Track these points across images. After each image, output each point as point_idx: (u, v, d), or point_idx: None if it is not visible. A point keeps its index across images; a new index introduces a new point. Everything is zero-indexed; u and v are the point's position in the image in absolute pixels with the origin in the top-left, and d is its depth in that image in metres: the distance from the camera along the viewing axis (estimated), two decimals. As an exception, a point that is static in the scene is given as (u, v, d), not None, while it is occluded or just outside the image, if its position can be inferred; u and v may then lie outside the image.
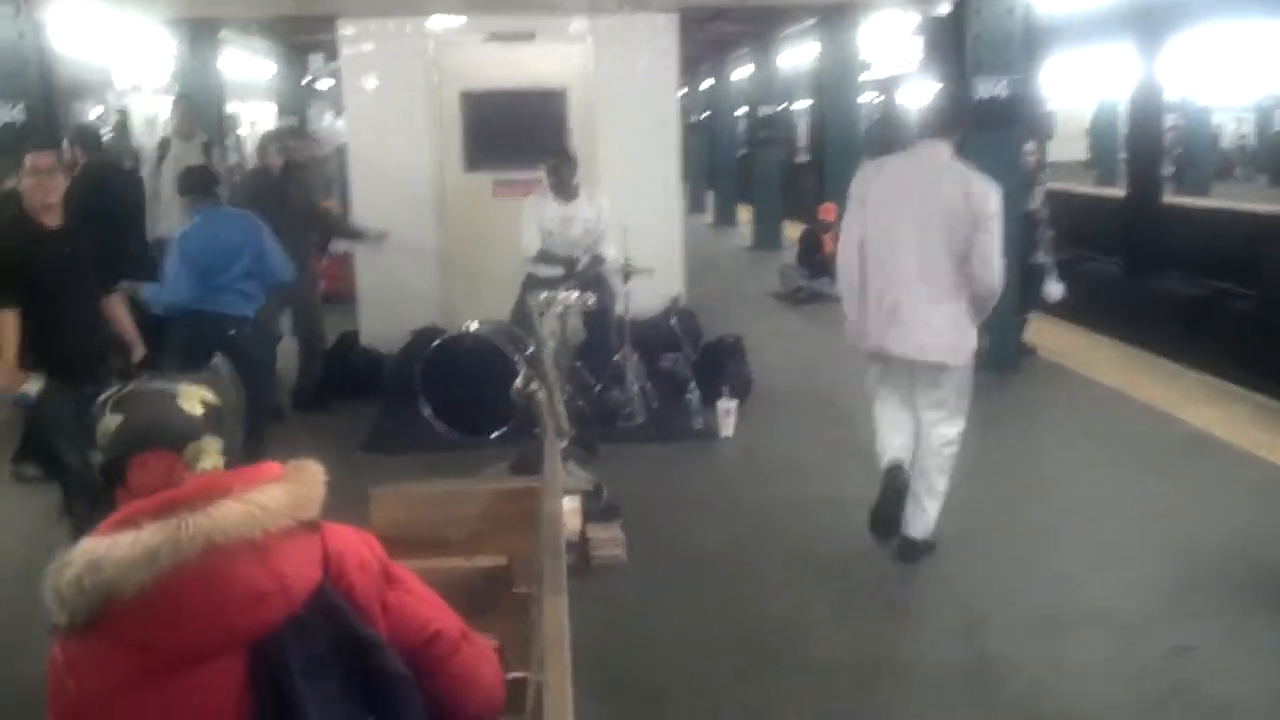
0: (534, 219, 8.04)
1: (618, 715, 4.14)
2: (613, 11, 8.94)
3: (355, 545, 2.11)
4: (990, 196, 5.08)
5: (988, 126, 8.87)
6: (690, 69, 24.21)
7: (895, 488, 5.44)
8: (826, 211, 13.26)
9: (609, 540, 5.51)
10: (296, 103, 16.54)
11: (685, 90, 26.57)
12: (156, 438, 2.01)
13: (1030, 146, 9.34)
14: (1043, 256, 9.33)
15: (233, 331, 6.54)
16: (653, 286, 8.93)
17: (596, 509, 5.67)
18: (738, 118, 22.00)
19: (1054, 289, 9.36)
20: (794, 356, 9.79)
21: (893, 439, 5.48)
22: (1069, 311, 10.41)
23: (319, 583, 1.98)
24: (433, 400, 7.45)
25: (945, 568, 5.41)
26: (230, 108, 16.34)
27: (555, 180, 8.08)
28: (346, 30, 9.03)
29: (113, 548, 1.79)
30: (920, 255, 5.11)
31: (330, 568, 2.03)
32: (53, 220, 5.18)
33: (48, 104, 8.71)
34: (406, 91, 9.02)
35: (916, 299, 5.14)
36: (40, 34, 8.61)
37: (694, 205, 24.02)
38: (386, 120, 9.02)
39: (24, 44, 8.51)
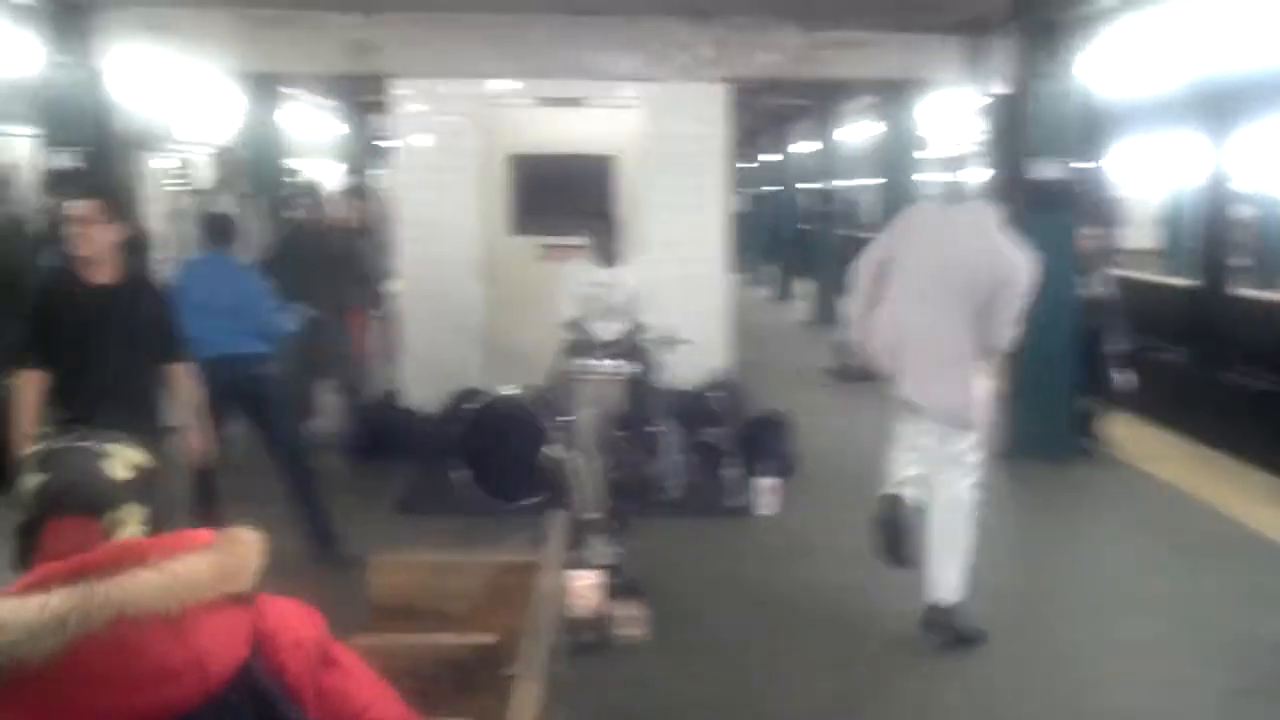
0: (572, 285, 7.93)
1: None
2: (663, 80, 8.88)
3: (292, 622, 1.97)
4: (1022, 263, 5.10)
5: (1042, 208, 8.70)
6: (752, 140, 24.29)
7: (888, 517, 5.30)
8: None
9: (630, 618, 5.33)
10: (362, 161, 16.70)
11: (748, 162, 26.76)
12: (75, 501, 1.87)
13: (1089, 231, 9.09)
14: (1112, 345, 8.94)
15: (254, 370, 6.29)
16: (695, 358, 8.79)
17: (618, 585, 5.48)
18: (799, 192, 21.91)
19: (1124, 379, 8.95)
20: (843, 435, 9.56)
21: (900, 470, 5.36)
22: (1133, 403, 10.07)
23: (243, 661, 1.82)
24: (467, 464, 7.34)
25: (972, 662, 5.19)
26: (300, 165, 16.60)
27: (597, 246, 7.99)
28: (398, 90, 9.05)
29: (19, 610, 1.66)
30: (947, 309, 5.09)
31: (262, 645, 1.87)
32: (100, 275, 4.73)
33: (105, 152, 8.79)
34: (456, 153, 9.01)
35: (935, 352, 5.11)
36: (98, 83, 8.71)
37: (755, 279, 23.95)
38: (435, 180, 9.00)
39: (82, 92, 8.63)
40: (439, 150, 9.02)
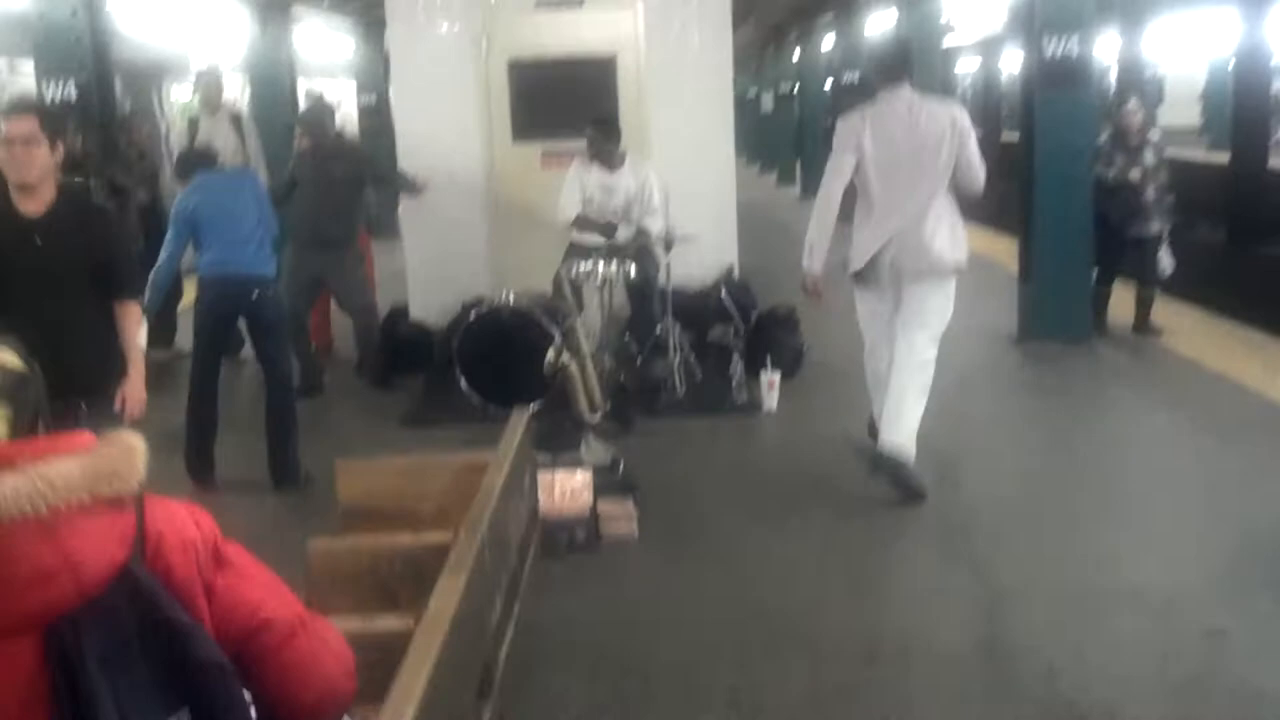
0: (575, 185, 7.89)
1: (596, 693, 3.98)
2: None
3: (180, 524, 1.95)
4: (964, 115, 5.86)
5: (1054, 87, 8.49)
6: (778, 37, 23.86)
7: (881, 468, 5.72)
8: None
9: (620, 515, 5.33)
10: (376, 79, 16.52)
11: (771, 59, 26.31)
12: None
13: (1133, 105, 8.83)
14: (1156, 226, 8.69)
15: (256, 293, 6.28)
16: (705, 257, 8.72)
17: (611, 483, 5.48)
18: (826, 88, 21.54)
19: (1165, 262, 8.72)
20: (854, 327, 9.44)
21: (879, 361, 5.98)
22: (1170, 282, 9.85)
23: (122, 563, 1.81)
24: (469, 372, 7.33)
25: (980, 545, 5.16)
26: (314, 85, 16.48)
27: (596, 150, 7.91)
28: (394, 2, 8.91)
29: None
30: (925, 182, 5.69)
31: (147, 548, 1.87)
32: (33, 205, 4.16)
33: (101, 81, 8.74)
34: (455, 61, 8.85)
35: (928, 220, 5.68)
36: (94, 10, 8.64)
37: (783, 177, 23.69)
38: (434, 91, 8.87)
39: (76, 21, 8.56)
40: (438, 59, 8.86)
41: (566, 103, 8.64)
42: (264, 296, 6.34)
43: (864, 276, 5.87)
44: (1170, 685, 3.91)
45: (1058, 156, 8.54)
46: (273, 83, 12.84)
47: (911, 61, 6.10)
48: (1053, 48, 8.46)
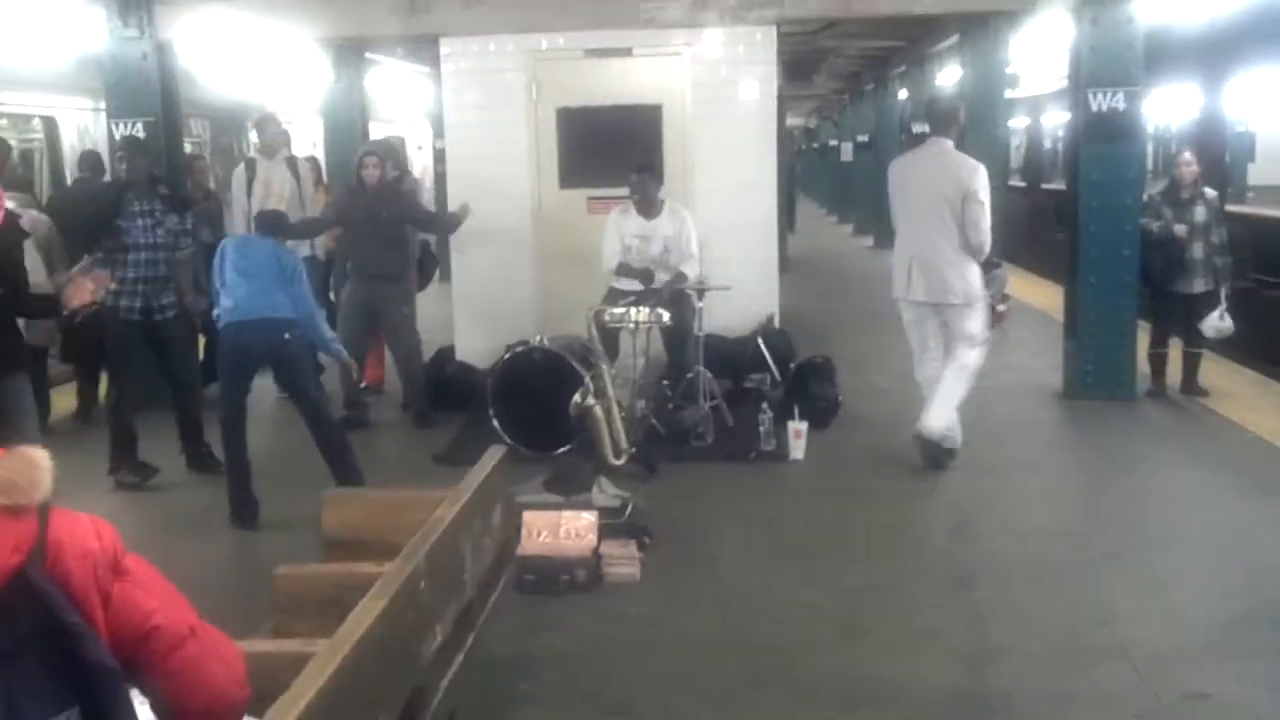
0: (615, 234, 8.06)
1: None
2: (710, 25, 8.80)
3: (81, 535, 2.08)
4: (977, 173, 6.83)
5: (1099, 141, 8.45)
6: (856, 86, 23.91)
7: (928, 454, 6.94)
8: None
9: (623, 557, 5.39)
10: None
11: (850, 108, 26.33)
12: None
13: (1187, 157, 8.76)
14: (1202, 285, 8.49)
15: (286, 335, 6.40)
16: (745, 306, 8.78)
17: (618, 526, 5.55)
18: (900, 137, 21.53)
19: (1221, 324, 8.45)
20: (901, 377, 9.42)
21: (927, 369, 7.13)
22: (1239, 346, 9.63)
23: (16, 569, 1.94)
24: (502, 413, 7.46)
25: (981, 596, 5.17)
26: (392, 130, 16.89)
27: (639, 197, 8.06)
28: (447, 48, 9.15)
29: None
30: (936, 225, 6.76)
31: (47, 555, 1.99)
32: None
33: (169, 122, 9.12)
34: (505, 109, 9.07)
35: (939, 255, 6.80)
36: (162, 55, 9.02)
37: (860, 227, 23.67)
38: (485, 137, 9.08)
39: (147, 64, 8.95)
40: (488, 106, 9.09)
41: (613, 150, 8.79)
42: (287, 339, 6.50)
43: (900, 295, 7.06)
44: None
45: (1102, 212, 8.48)
46: (346, 126, 13.25)
47: (953, 118, 7.21)
48: (1099, 102, 8.42)
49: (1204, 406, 8.43)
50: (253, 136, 15.61)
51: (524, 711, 4.11)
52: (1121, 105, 8.43)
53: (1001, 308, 12.35)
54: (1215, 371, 9.05)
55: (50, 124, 10.55)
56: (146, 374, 7.53)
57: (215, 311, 6.73)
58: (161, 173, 7.81)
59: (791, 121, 33.25)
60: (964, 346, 6.90)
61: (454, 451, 7.69)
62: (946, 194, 6.74)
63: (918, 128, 17.51)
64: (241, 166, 9.06)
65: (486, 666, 4.37)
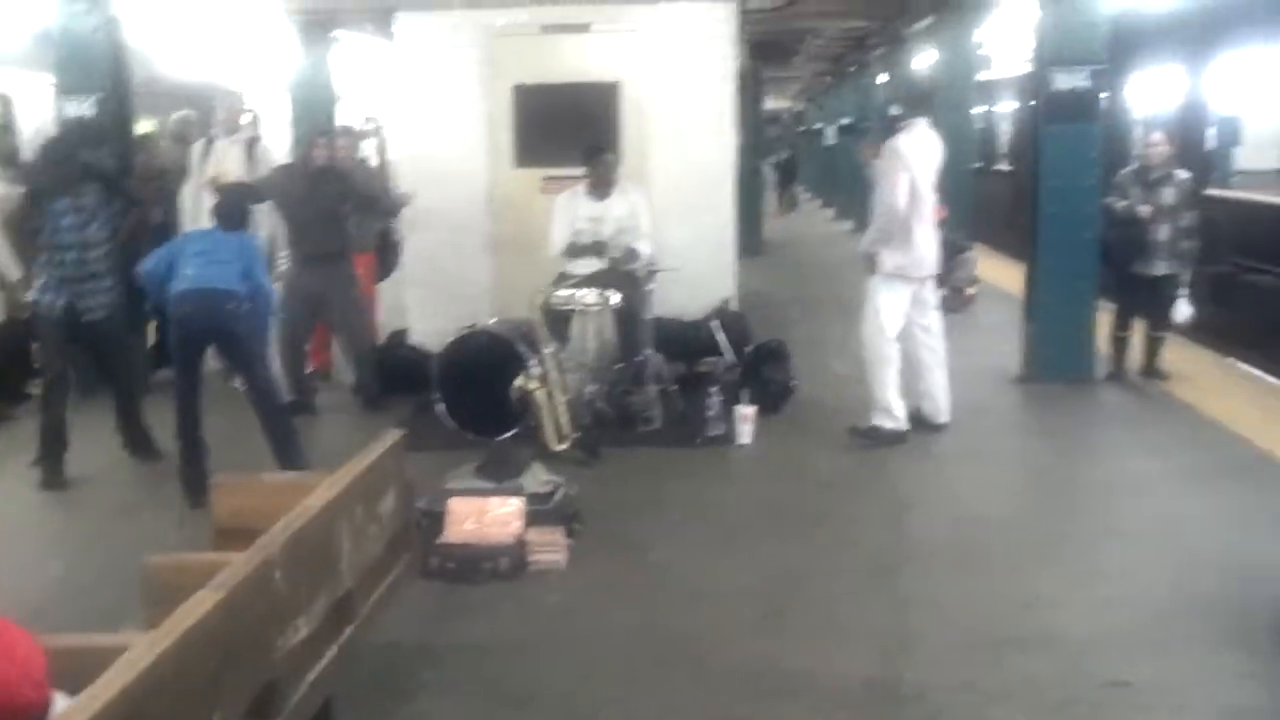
0: (566, 218, 7.94)
1: (472, 715, 3.93)
2: (669, 1, 8.66)
3: None
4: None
5: (1059, 121, 8.33)
6: (839, 69, 23.75)
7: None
8: (935, 212, 12.66)
9: (548, 544, 5.29)
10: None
11: (834, 91, 26.17)
12: None
13: (1157, 138, 8.65)
14: (1165, 267, 8.38)
15: (230, 306, 6.33)
16: (701, 289, 8.67)
17: (545, 512, 5.44)
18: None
19: (1184, 309, 8.39)
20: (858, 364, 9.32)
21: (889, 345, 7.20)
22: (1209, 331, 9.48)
23: None
24: (449, 397, 7.35)
25: (910, 581, 5.10)
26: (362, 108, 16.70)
27: (594, 178, 7.94)
28: (402, 23, 9.00)
29: None
30: (931, 199, 7.20)
31: None
32: None
33: (119, 99, 8.97)
34: (460, 85, 8.92)
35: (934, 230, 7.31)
36: (113, 29, 8.87)
37: (841, 213, 23.54)
38: (440, 114, 8.95)
39: (97, 39, 8.80)
40: (443, 83, 8.95)
41: (569, 129, 8.65)
42: (234, 311, 6.41)
43: (908, 274, 7.14)
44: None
45: (1061, 193, 8.37)
46: (312, 105, 13.06)
47: (931, 100, 8.07)
48: (1060, 81, 8.30)
49: (1163, 390, 8.33)
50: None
51: (419, 703, 4.01)
52: (1084, 84, 8.31)
53: (971, 290, 12.33)
54: (1179, 355, 8.93)
55: (4, 102, 10.40)
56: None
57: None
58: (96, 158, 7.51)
59: (776, 105, 33.10)
60: (935, 314, 7.38)
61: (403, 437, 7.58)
62: (935, 171, 7.27)
63: (894, 110, 17.43)
64: (200, 143, 8.86)
65: (389, 656, 4.30)
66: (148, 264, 6.56)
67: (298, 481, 3.92)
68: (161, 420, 6.97)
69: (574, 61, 8.91)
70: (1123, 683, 4.09)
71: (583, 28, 8.89)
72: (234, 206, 6.87)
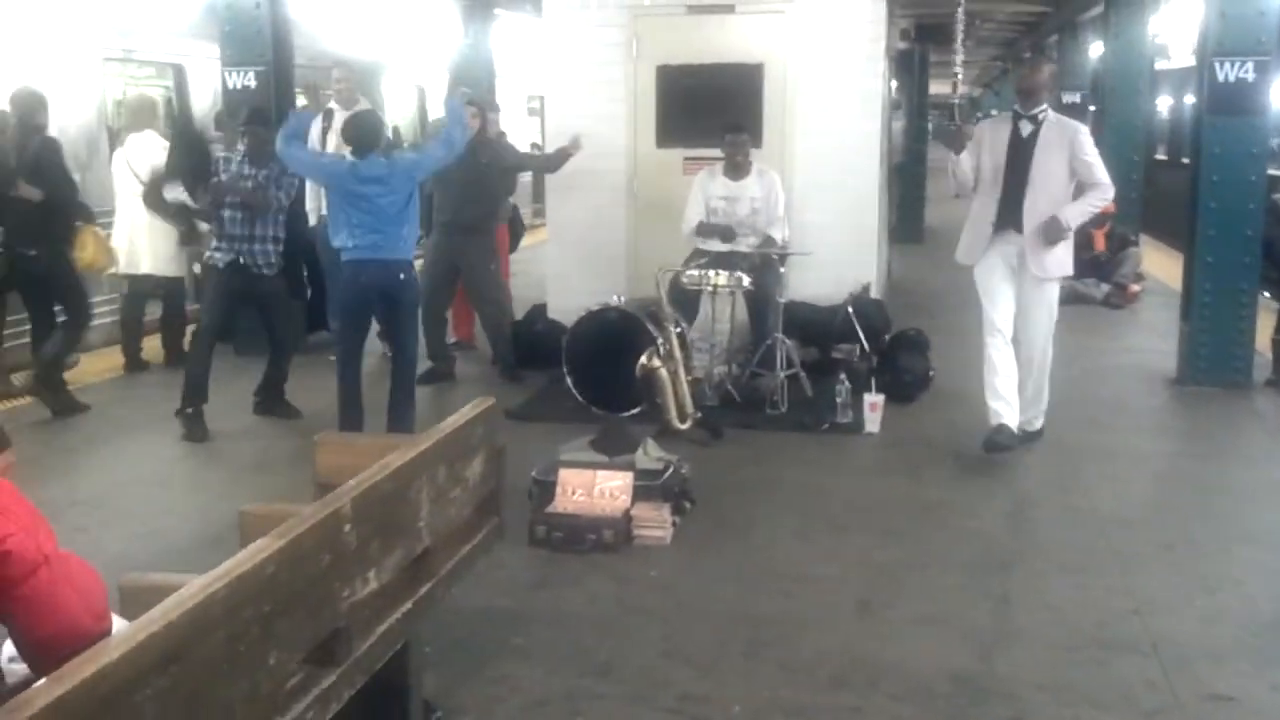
0: (700, 195, 7.97)
1: (547, 686, 4.01)
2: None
3: None
4: None
5: (1223, 113, 7.96)
6: (1011, 54, 23.10)
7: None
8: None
9: (654, 520, 5.32)
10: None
11: (1007, 75, 25.42)
12: None
13: None
14: None
15: (402, 276, 6.59)
16: (841, 273, 8.56)
17: (653, 488, 5.46)
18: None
19: None
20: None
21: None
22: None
23: None
24: (577, 372, 7.45)
25: (1019, 577, 4.98)
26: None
27: (732, 155, 7.93)
28: (550, 4, 9.09)
29: None
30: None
31: None
32: None
33: (280, 71, 9.30)
34: (606, 66, 8.98)
35: None
36: (274, 4, 9.19)
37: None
38: (584, 91, 9.01)
39: (260, 13, 9.15)
40: (589, 63, 9.02)
41: (712, 109, 8.63)
42: (404, 280, 6.65)
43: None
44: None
45: (1223, 187, 8.01)
46: (474, 82, 13.31)
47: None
48: (1225, 72, 7.93)
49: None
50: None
51: (505, 664, 4.09)
52: (1250, 76, 7.93)
53: (1135, 287, 11.89)
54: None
55: (178, 71, 10.86)
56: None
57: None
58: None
59: (945, 89, 32.30)
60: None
61: (528, 407, 7.72)
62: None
63: (1067, 98, 16.91)
64: (319, 115, 9.14)
65: (481, 620, 4.39)
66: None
67: (395, 442, 4.01)
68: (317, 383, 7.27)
69: (718, 42, 8.86)
70: (1226, 697, 3.92)
71: (728, 8, 8.85)
72: (365, 128, 6.83)
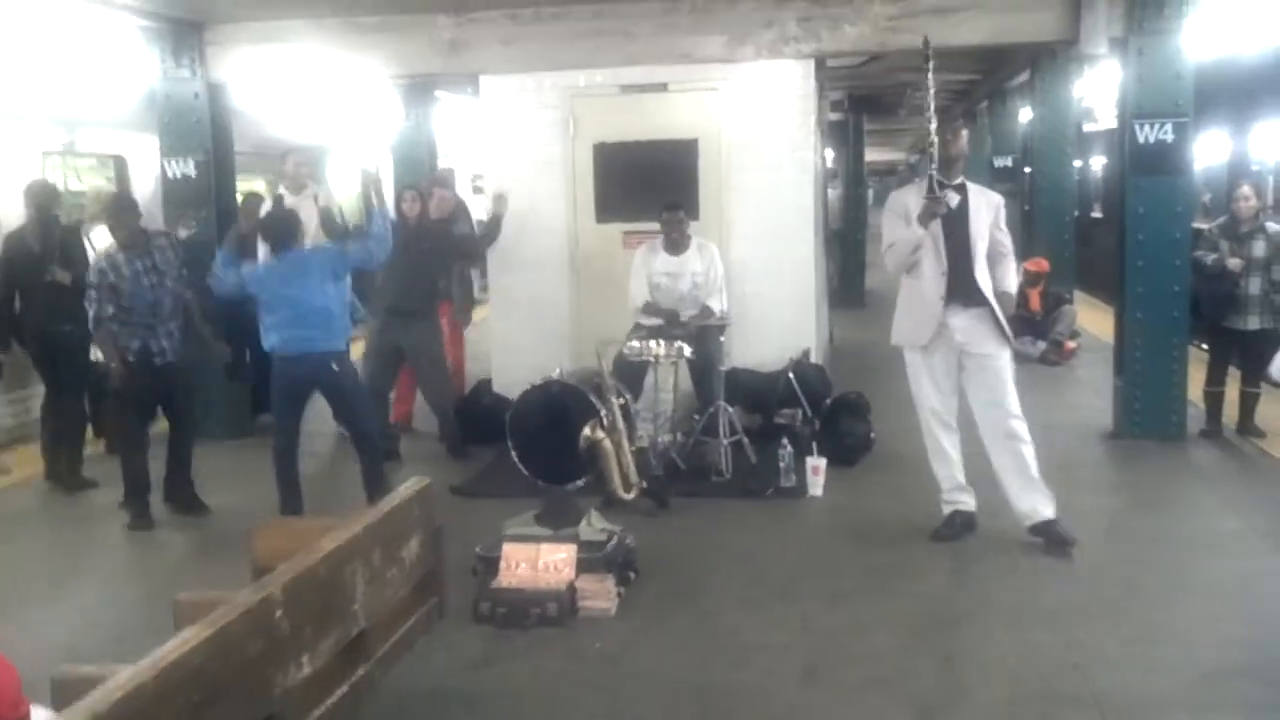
0: (642, 272, 8.08)
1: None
2: (748, 60, 8.72)
3: None
4: None
5: (1146, 173, 8.18)
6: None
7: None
8: (1036, 264, 12.51)
9: (598, 591, 5.33)
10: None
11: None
12: None
13: (1246, 191, 8.45)
14: (1257, 322, 8.16)
15: (334, 366, 6.72)
16: (782, 340, 8.66)
17: (597, 560, 5.47)
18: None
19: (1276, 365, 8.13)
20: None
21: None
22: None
23: None
24: (522, 447, 7.46)
25: (965, 637, 5.02)
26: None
27: (669, 233, 8.05)
28: (486, 86, 9.21)
29: None
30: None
31: None
32: None
33: (220, 161, 9.35)
34: (544, 145, 9.09)
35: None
36: (214, 94, 9.26)
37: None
38: (524, 173, 9.12)
39: (198, 104, 9.21)
40: (528, 142, 9.13)
41: (649, 184, 8.78)
42: (339, 370, 6.78)
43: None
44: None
45: (1149, 245, 8.21)
46: (414, 163, 13.42)
47: None
48: (1145, 133, 8.16)
49: (1258, 448, 8.09)
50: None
51: (446, 746, 4.07)
52: (1170, 137, 8.16)
53: (1071, 344, 12.09)
54: (1275, 413, 8.63)
55: (120, 162, 10.90)
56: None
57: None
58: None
59: (882, 156, 32.85)
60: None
61: (474, 484, 7.73)
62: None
63: (999, 161, 17.28)
64: (269, 202, 9.16)
65: (430, 699, 4.37)
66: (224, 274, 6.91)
67: (332, 525, 4.02)
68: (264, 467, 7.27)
69: (653, 119, 9.00)
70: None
71: (660, 87, 8.99)
72: (279, 225, 7.07)
